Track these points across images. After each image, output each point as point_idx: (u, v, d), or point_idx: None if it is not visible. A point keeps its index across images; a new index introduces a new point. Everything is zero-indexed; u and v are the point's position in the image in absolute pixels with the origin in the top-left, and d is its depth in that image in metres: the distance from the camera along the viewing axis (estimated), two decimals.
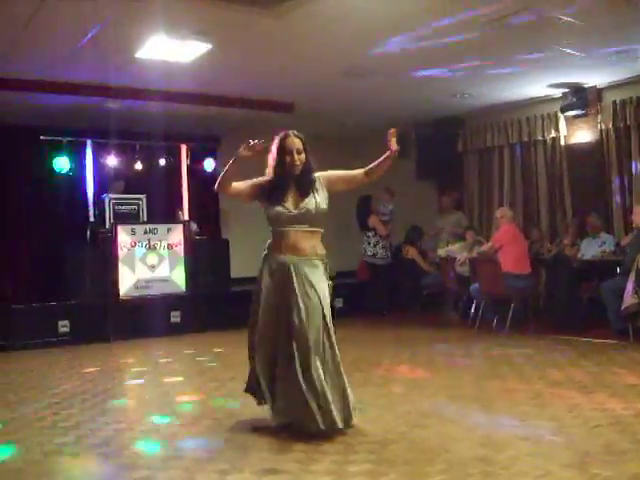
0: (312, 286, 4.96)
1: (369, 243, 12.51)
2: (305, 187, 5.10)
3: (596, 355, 7.94)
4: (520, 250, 10.24)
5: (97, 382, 7.42)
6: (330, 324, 4.98)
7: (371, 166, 5.19)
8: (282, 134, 5.15)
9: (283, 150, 5.08)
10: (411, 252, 12.58)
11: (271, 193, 5.11)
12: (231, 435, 5.11)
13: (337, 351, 5.00)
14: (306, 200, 5.06)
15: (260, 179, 5.20)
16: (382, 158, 5.11)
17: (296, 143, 5.09)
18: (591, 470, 4.06)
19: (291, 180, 5.11)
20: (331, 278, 5.23)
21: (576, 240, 10.85)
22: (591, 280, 9.94)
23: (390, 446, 4.63)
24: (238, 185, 5.17)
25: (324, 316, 4.95)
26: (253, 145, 4.97)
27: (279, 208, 5.05)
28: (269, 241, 5.19)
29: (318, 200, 5.08)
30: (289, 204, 5.06)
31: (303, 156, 5.09)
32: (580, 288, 10.05)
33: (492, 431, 5.00)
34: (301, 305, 4.90)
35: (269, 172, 5.18)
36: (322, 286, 5.04)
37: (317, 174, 5.18)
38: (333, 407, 4.81)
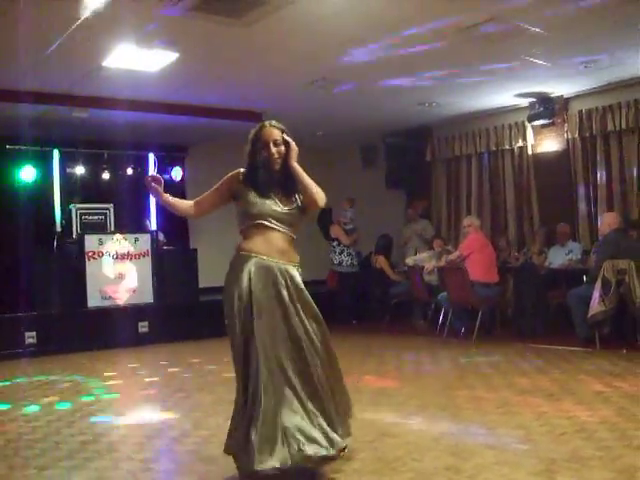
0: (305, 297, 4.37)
1: (335, 252, 12.56)
2: (291, 186, 4.40)
3: (563, 363, 8.00)
4: (488, 259, 10.29)
5: (63, 394, 7.34)
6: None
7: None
8: (257, 125, 4.47)
9: (258, 143, 4.38)
10: (379, 261, 12.60)
11: (252, 185, 4.38)
12: (199, 447, 5.08)
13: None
14: (293, 204, 4.40)
15: (235, 172, 4.48)
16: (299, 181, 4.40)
17: (274, 134, 4.36)
18: (557, 477, 4.09)
19: (273, 176, 4.38)
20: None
21: (543, 248, 10.95)
22: (558, 288, 10.02)
23: (357, 455, 4.62)
24: (201, 200, 4.60)
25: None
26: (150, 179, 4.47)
27: (264, 200, 4.34)
28: (242, 242, 4.40)
29: (300, 204, 4.42)
30: (276, 200, 4.36)
31: (282, 149, 4.35)
32: (547, 296, 10.14)
33: (459, 440, 5.00)
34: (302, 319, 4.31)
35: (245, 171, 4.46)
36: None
37: None
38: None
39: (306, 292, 4.36)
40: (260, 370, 4.06)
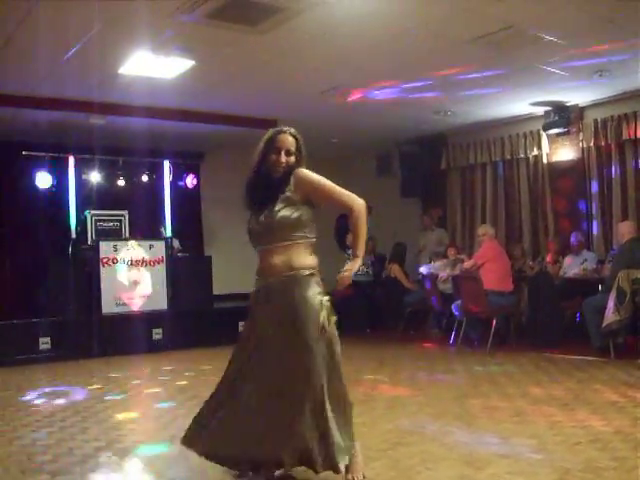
0: (296, 309, 4.16)
1: (349, 261, 12.49)
2: (274, 191, 4.23)
3: (577, 372, 7.96)
4: (502, 267, 10.26)
5: (77, 400, 7.36)
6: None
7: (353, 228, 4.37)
8: (277, 128, 4.34)
9: (271, 147, 4.25)
10: (394, 270, 12.58)
11: (250, 200, 4.35)
12: None
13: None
14: (266, 211, 4.20)
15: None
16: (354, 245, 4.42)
17: (288, 142, 4.25)
18: None
19: (272, 183, 4.25)
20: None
21: (558, 257, 10.90)
22: (573, 297, 9.96)
23: (371, 464, 4.60)
24: None
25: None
26: None
27: (249, 223, 4.33)
28: None
29: (276, 208, 4.17)
30: (258, 215, 4.26)
31: (292, 159, 4.25)
32: (562, 305, 10.09)
33: (473, 449, 4.98)
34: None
35: (249, 174, 4.37)
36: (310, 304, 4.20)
37: (296, 171, 4.28)
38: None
39: (281, 309, 4.19)
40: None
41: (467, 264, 10.59)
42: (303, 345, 4.11)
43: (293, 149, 4.27)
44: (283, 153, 4.23)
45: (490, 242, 10.47)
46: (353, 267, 4.31)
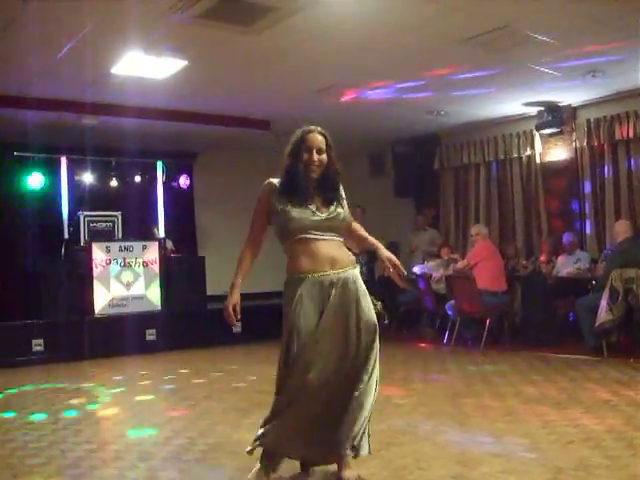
0: (366, 299, 4.38)
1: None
2: (330, 193, 4.32)
3: (570, 371, 7.96)
4: (496, 267, 10.26)
5: (70, 402, 7.33)
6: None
7: (359, 234, 4.64)
8: (304, 128, 4.37)
9: (302, 146, 4.27)
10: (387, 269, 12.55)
11: (288, 194, 4.23)
12: (206, 455, 5.06)
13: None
14: (332, 207, 4.27)
15: (266, 185, 4.34)
16: (370, 244, 4.60)
17: (318, 141, 4.31)
18: None
19: (310, 183, 4.27)
20: None
21: (551, 257, 10.91)
22: (566, 297, 9.98)
23: (364, 464, 4.57)
24: (252, 237, 4.37)
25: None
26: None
27: (302, 210, 4.20)
28: (290, 262, 4.28)
29: (344, 205, 4.35)
30: (314, 208, 4.23)
31: (324, 157, 4.28)
32: (555, 305, 10.10)
33: (466, 448, 4.98)
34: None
35: (282, 174, 4.30)
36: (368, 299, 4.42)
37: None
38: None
39: (355, 296, 4.27)
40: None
41: (460, 264, 10.61)
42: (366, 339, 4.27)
43: (324, 147, 4.32)
44: (315, 152, 4.27)
45: (483, 242, 10.48)
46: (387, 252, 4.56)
